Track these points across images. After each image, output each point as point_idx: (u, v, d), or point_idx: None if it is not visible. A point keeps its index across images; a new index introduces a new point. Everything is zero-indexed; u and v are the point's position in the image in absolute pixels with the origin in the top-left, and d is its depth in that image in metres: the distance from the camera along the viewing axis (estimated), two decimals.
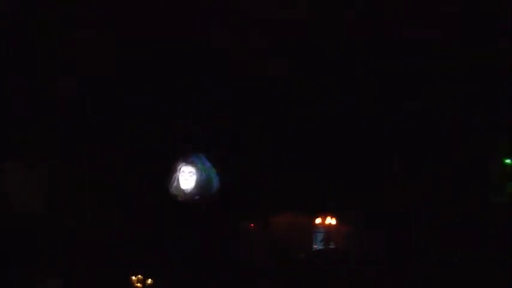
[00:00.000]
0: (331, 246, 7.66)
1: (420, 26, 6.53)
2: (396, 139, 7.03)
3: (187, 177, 6.89)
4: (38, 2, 6.65)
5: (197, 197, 6.89)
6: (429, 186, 6.98)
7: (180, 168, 6.91)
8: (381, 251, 7.13)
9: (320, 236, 7.71)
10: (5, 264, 6.51)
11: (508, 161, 6.94)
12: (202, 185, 6.89)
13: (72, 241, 6.81)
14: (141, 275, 6.97)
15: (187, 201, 6.89)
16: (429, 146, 7.01)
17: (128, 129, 6.98)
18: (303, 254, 7.63)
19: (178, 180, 6.89)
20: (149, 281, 6.97)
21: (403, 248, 7.02)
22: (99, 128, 6.98)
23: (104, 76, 6.87)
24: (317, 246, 7.78)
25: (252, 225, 7.43)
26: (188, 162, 6.91)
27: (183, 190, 6.89)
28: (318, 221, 7.68)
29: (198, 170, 6.90)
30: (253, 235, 7.40)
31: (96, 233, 6.89)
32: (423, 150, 7.02)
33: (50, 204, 6.92)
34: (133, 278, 6.97)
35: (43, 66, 6.78)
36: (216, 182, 6.91)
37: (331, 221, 7.66)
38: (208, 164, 6.90)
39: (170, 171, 6.91)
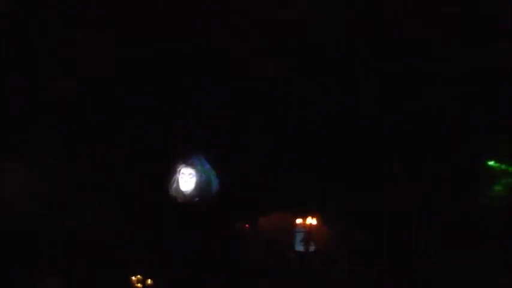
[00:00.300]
0: (311, 247, 7.60)
1: (420, 26, 6.53)
2: (383, 141, 7.04)
3: (187, 179, 6.91)
4: (38, 2, 6.65)
5: (197, 199, 6.91)
6: (413, 188, 6.97)
7: (180, 170, 6.93)
8: (365, 252, 7.12)
9: (300, 236, 7.65)
10: (5, 264, 6.53)
11: (491, 163, 6.91)
12: (201, 187, 6.91)
13: (72, 241, 6.82)
14: (140, 275, 7.02)
15: (187, 202, 6.91)
16: (414, 148, 7.00)
17: (128, 129, 6.99)
18: (292, 254, 7.66)
19: (178, 181, 6.92)
20: (149, 281, 7.02)
21: (384, 248, 7.05)
22: (99, 128, 6.98)
23: (104, 76, 6.87)
24: (297, 246, 7.74)
25: (247, 225, 7.44)
26: (188, 164, 6.93)
27: (182, 192, 6.92)
28: (299, 221, 7.61)
29: (197, 171, 6.92)
30: (249, 235, 7.42)
31: (96, 233, 6.90)
32: (409, 153, 7.02)
33: (50, 204, 6.92)
34: (133, 278, 7.01)
35: (43, 66, 6.78)
36: (215, 184, 6.92)
37: (311, 221, 7.57)
38: (207, 166, 6.92)
39: (170, 173, 6.93)
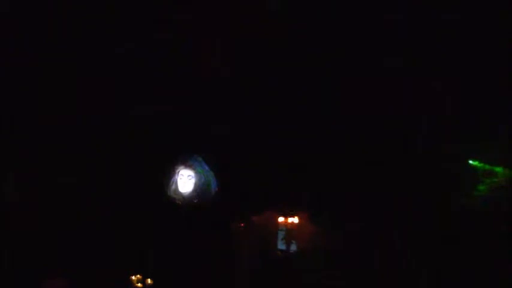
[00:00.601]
0: (292, 245, 7.65)
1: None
2: (365, 143, 7.07)
3: (186, 181, 6.91)
4: (38, 2, 6.62)
5: (196, 200, 6.91)
6: (395, 188, 7.01)
7: (179, 172, 6.91)
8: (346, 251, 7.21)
9: (281, 235, 7.71)
10: (5, 264, 6.62)
11: (474, 162, 6.92)
12: (200, 189, 6.91)
13: (72, 242, 6.85)
14: (140, 275, 7.09)
15: (186, 204, 6.92)
16: (395, 150, 7.04)
17: (128, 132, 7.02)
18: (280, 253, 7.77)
19: (176, 183, 6.91)
20: (149, 280, 7.08)
21: (363, 248, 7.15)
22: (99, 131, 7.00)
23: (103, 77, 6.86)
24: (279, 244, 7.79)
25: (242, 224, 7.51)
26: (187, 165, 6.92)
27: (181, 193, 6.90)
28: (281, 219, 7.63)
29: (197, 173, 6.91)
30: (244, 235, 7.48)
31: (97, 234, 6.93)
32: (390, 154, 7.05)
33: (51, 206, 6.94)
34: (133, 278, 7.08)
35: (44, 68, 6.77)
36: (214, 186, 6.93)
37: (293, 219, 7.58)
38: (206, 168, 6.92)
39: (169, 174, 6.93)
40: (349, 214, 7.16)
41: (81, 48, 6.75)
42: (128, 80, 6.90)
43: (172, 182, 6.92)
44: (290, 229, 7.58)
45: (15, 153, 6.85)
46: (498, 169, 6.85)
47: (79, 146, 6.98)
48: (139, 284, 7.07)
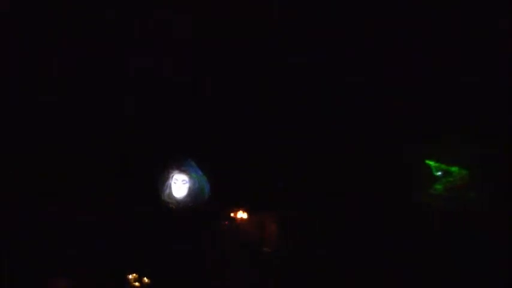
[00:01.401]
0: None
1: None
2: (327, 141, 7.18)
3: (180, 185, 7.14)
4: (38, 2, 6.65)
5: (190, 205, 7.17)
6: (351, 186, 7.13)
7: (173, 176, 7.14)
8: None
9: None
10: (5, 264, 6.76)
11: (430, 162, 7.13)
12: (195, 193, 7.14)
13: (69, 242, 6.99)
14: (136, 274, 7.20)
15: (180, 208, 7.16)
16: (354, 147, 7.15)
17: (123, 135, 7.12)
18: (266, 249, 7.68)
19: (170, 188, 7.13)
20: (146, 279, 7.20)
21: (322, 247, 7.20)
22: (94, 134, 7.09)
23: (101, 79, 6.95)
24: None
25: (226, 223, 7.53)
26: (181, 170, 7.15)
27: (175, 198, 7.13)
28: (231, 214, 7.54)
29: (191, 178, 7.15)
30: (228, 233, 7.51)
31: (93, 235, 7.08)
32: (348, 151, 7.17)
33: (48, 206, 7.05)
34: (130, 277, 7.19)
35: (41, 65, 6.82)
36: (207, 190, 7.16)
37: (242, 215, 7.53)
38: (200, 172, 7.15)
39: (163, 179, 7.15)
40: (303, 212, 7.31)
41: (78, 47, 6.81)
42: (124, 80, 6.99)
43: (167, 186, 7.16)
44: (238, 224, 7.53)
45: (15, 153, 6.94)
46: (453, 169, 7.14)
47: (76, 147, 7.08)
48: (136, 283, 7.17)
